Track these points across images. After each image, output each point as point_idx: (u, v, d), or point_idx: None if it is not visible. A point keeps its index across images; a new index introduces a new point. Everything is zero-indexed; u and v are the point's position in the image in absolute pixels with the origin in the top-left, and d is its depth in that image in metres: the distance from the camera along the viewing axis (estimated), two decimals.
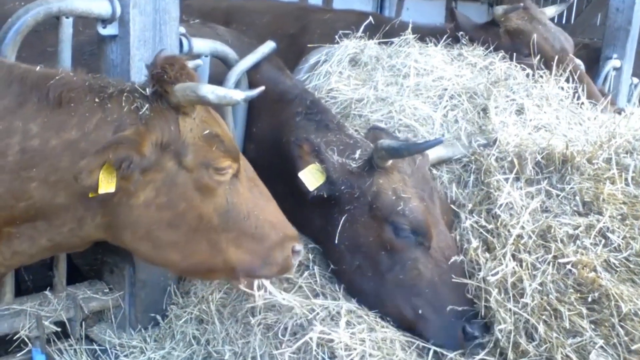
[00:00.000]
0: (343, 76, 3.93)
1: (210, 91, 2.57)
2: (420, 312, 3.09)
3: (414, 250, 3.14)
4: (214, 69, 3.50)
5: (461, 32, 4.51)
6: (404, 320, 3.13)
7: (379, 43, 4.18)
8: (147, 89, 2.62)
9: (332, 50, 4.04)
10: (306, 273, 3.19)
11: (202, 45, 3.46)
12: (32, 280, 3.87)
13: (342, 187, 3.20)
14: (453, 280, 3.07)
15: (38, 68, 2.63)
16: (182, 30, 3.33)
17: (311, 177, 3.19)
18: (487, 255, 3.16)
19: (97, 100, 2.58)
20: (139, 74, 3.10)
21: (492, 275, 3.07)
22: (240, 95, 2.67)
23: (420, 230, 3.13)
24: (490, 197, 3.24)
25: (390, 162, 3.16)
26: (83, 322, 3.31)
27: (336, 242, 3.21)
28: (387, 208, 3.15)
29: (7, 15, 2.97)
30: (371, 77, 3.92)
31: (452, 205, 3.37)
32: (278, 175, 3.26)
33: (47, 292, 3.24)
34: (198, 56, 3.47)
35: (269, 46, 3.57)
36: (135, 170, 2.50)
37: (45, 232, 2.66)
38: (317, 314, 2.94)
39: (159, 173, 2.61)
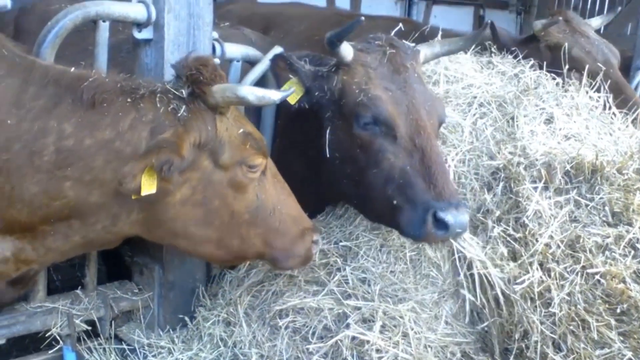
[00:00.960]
0: None
1: (250, 92, 2.67)
2: (395, 202, 3.03)
3: (382, 141, 3.11)
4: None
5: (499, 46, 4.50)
6: (382, 215, 3.13)
7: None
8: (183, 90, 2.67)
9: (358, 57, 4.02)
10: (338, 275, 3.18)
11: (234, 50, 3.51)
12: (60, 280, 3.94)
13: (317, 93, 3.24)
14: (430, 167, 2.99)
15: (72, 69, 2.69)
16: (215, 35, 3.38)
17: (290, 91, 3.11)
18: (513, 263, 3.16)
19: (129, 100, 2.64)
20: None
21: (518, 284, 3.08)
22: (277, 95, 2.74)
23: (382, 118, 3.10)
24: (518, 206, 3.23)
25: (351, 56, 3.19)
26: (113, 322, 3.36)
27: (327, 155, 3.24)
28: (351, 102, 3.17)
29: (52, 16, 3.04)
30: None
31: (478, 214, 3.37)
32: None
33: (78, 291, 3.30)
34: (230, 61, 3.53)
35: (275, 52, 3.57)
36: (175, 172, 2.56)
37: (79, 229, 2.72)
38: (349, 316, 2.95)
39: (196, 172, 2.69)
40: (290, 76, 3.24)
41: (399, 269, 3.28)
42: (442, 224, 2.91)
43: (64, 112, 2.58)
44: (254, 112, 3.57)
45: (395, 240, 3.36)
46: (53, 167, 2.57)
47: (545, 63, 4.24)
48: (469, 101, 3.74)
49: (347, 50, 3.19)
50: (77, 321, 3.16)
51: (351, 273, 3.18)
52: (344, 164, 3.23)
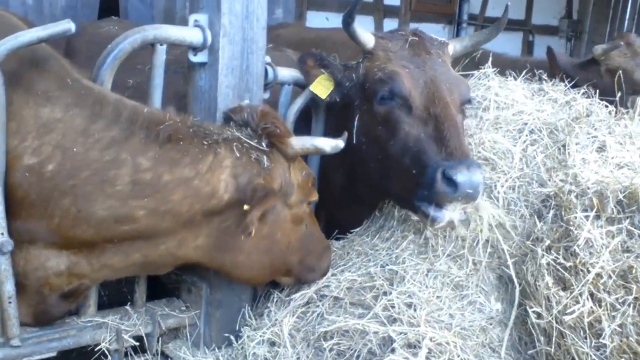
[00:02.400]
0: None
1: (326, 144, 3.02)
2: (413, 172, 3.10)
3: (398, 113, 3.23)
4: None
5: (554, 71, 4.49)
6: (405, 191, 3.19)
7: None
8: (261, 143, 2.95)
9: None
10: (384, 298, 3.18)
11: (286, 74, 3.56)
12: (107, 296, 4.02)
13: (347, 84, 3.43)
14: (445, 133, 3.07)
15: (146, 110, 2.85)
16: (268, 59, 3.44)
17: (321, 87, 3.44)
18: (563, 293, 3.11)
19: (205, 143, 2.84)
20: (225, 100, 3.23)
21: (568, 314, 3.02)
22: (342, 143, 3.05)
23: (397, 91, 3.22)
24: (569, 235, 3.18)
25: (372, 43, 3.40)
26: (160, 338, 3.40)
27: (355, 141, 3.37)
28: (371, 82, 3.34)
29: (103, 37, 3.14)
30: None
31: (528, 241, 3.34)
32: None
33: (127, 307, 3.35)
34: (281, 84, 3.59)
35: None
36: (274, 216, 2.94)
37: (142, 248, 2.82)
38: (394, 340, 2.94)
39: (275, 213, 3.00)
40: (322, 71, 3.43)
41: (445, 294, 3.26)
42: (451, 182, 2.94)
43: (138, 146, 2.73)
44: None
45: (442, 265, 3.34)
46: (127, 196, 2.70)
47: (606, 86, 4.21)
48: (519, 128, 3.72)
49: (366, 37, 3.41)
50: (126, 336, 3.21)
51: (397, 297, 3.16)
52: (369, 145, 3.37)
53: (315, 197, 3.18)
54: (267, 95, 3.49)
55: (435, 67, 3.33)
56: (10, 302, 2.81)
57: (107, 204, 2.69)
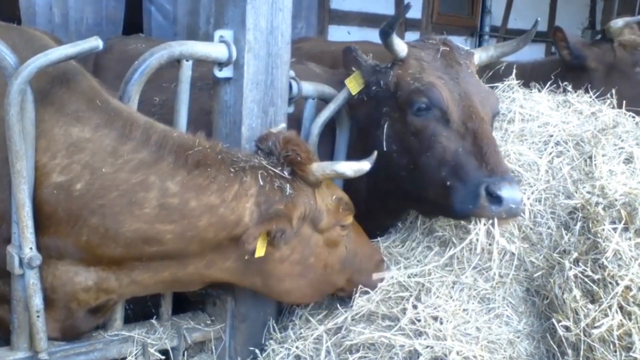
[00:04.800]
0: None
1: (348, 168, 2.99)
2: (448, 183, 3.16)
3: (435, 125, 3.26)
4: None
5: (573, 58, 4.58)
6: (436, 199, 3.26)
7: None
8: (285, 171, 2.95)
9: None
10: (410, 311, 3.16)
11: (310, 88, 3.58)
12: (132, 310, 4.04)
13: (374, 87, 3.49)
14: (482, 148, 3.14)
15: (175, 134, 2.90)
16: (292, 73, 3.46)
17: (354, 83, 3.52)
18: (591, 306, 3.07)
19: (232, 170, 2.86)
20: (250, 115, 3.26)
21: (597, 327, 2.99)
22: (368, 165, 3.02)
23: (436, 102, 3.25)
24: (597, 247, 3.15)
25: (405, 52, 3.42)
26: (185, 352, 3.41)
27: (385, 148, 3.40)
28: (406, 91, 3.35)
29: (130, 54, 3.18)
30: None
31: (555, 254, 3.31)
32: None
33: (153, 321, 3.37)
34: (305, 98, 3.61)
35: (348, 91, 3.65)
36: (283, 240, 2.84)
37: (171, 266, 2.86)
38: (420, 354, 2.93)
39: (297, 237, 2.95)
40: (353, 69, 3.52)
41: (472, 307, 3.23)
42: (495, 199, 3.01)
43: (166, 170, 2.76)
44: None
45: (468, 278, 3.32)
46: (154, 219, 2.74)
47: (621, 61, 4.23)
48: (544, 140, 3.70)
49: (401, 45, 3.43)
50: (152, 350, 3.22)
51: (423, 310, 3.15)
52: (400, 154, 3.39)
53: (349, 221, 3.14)
54: (291, 110, 3.51)
55: (467, 80, 3.37)
56: (38, 316, 2.84)
57: (135, 225, 2.72)
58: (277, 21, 3.28)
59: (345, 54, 3.63)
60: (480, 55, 3.62)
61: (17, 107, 2.63)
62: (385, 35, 3.35)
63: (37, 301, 2.82)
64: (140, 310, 3.60)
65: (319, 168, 2.95)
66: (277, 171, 2.94)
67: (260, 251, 2.82)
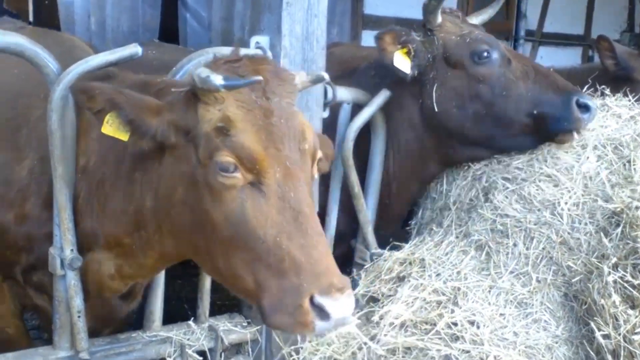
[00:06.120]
0: None
1: (199, 73, 2.42)
2: (535, 112, 3.57)
3: (501, 67, 3.64)
4: None
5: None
6: (521, 131, 3.63)
7: None
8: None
9: None
10: (446, 315, 3.15)
11: (345, 93, 3.60)
12: (168, 312, 4.09)
13: (422, 56, 3.69)
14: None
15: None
16: (327, 78, 3.48)
17: (402, 61, 3.63)
18: (631, 312, 3.03)
19: None
20: None
21: (637, 333, 2.94)
22: (220, 81, 2.36)
23: (495, 45, 3.68)
24: (637, 252, 3.11)
25: (441, 19, 3.73)
26: (222, 353, 3.45)
27: (436, 109, 3.67)
28: (460, 48, 3.68)
29: (166, 64, 3.24)
30: None
31: (593, 258, 3.27)
32: None
33: (191, 322, 3.40)
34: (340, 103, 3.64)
35: (383, 96, 3.67)
36: (136, 128, 2.49)
37: None
38: (457, 359, 2.92)
39: (185, 164, 2.50)
40: (398, 47, 3.63)
41: (509, 312, 3.22)
42: (585, 108, 3.52)
43: None
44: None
45: (505, 282, 3.31)
46: None
47: None
48: (582, 144, 3.66)
49: (438, 15, 3.73)
50: (189, 351, 3.26)
51: (460, 314, 3.14)
52: (462, 107, 3.66)
53: (222, 158, 2.35)
54: (326, 114, 3.53)
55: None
56: (79, 316, 2.90)
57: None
58: (312, 27, 3.31)
59: (383, 38, 3.67)
60: (483, 17, 4.09)
61: (59, 112, 2.70)
62: (432, 7, 3.67)
63: (78, 302, 2.88)
64: (176, 312, 3.66)
65: (202, 70, 2.41)
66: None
67: (108, 128, 2.51)
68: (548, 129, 3.56)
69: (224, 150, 2.35)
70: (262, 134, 2.37)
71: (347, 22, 8.94)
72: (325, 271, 2.26)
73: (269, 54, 3.23)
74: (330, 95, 3.51)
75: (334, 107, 3.63)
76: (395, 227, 4.17)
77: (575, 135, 3.58)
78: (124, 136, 2.52)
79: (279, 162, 2.36)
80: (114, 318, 3.23)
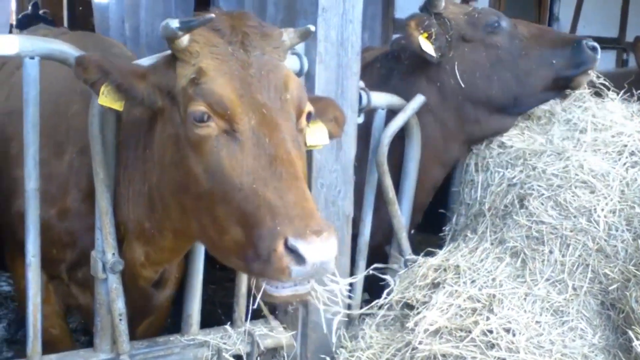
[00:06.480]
0: (516, 128, 3.94)
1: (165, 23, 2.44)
2: (554, 61, 3.84)
3: (510, 33, 3.90)
4: None
5: None
6: (545, 86, 3.88)
7: None
8: None
9: None
10: (481, 322, 3.14)
11: (380, 99, 3.62)
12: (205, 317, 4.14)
13: (446, 37, 3.88)
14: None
15: None
16: (362, 84, 3.50)
17: (427, 45, 3.77)
18: None
19: None
20: None
21: None
22: (176, 24, 2.40)
23: (504, 17, 3.90)
24: None
25: (444, 3, 3.93)
26: (258, 358, 3.48)
27: (463, 85, 3.85)
28: (467, 25, 3.90)
29: None
30: (545, 131, 3.89)
31: (631, 266, 3.24)
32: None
33: (227, 327, 3.45)
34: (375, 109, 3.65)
35: (418, 101, 3.69)
36: (125, 93, 2.52)
37: None
38: None
39: (171, 125, 2.51)
40: (421, 31, 3.78)
41: (545, 319, 3.19)
42: (593, 49, 3.83)
43: None
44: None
45: (541, 289, 3.29)
46: None
47: None
48: (618, 150, 3.62)
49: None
50: (226, 355, 3.31)
51: (495, 322, 3.13)
52: (489, 77, 3.85)
53: (194, 107, 2.33)
54: (361, 120, 3.55)
55: None
56: (121, 319, 2.96)
57: None
58: (347, 33, 3.33)
59: (408, 23, 3.81)
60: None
61: (100, 117, 2.76)
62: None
63: (120, 304, 2.94)
64: (208, 317, 3.70)
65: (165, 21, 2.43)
66: None
67: (103, 99, 2.52)
68: (568, 75, 3.84)
69: (195, 99, 2.33)
70: (235, 82, 2.34)
71: (378, 25, 8.96)
72: (300, 214, 2.15)
73: (304, 59, 3.25)
74: (365, 101, 3.52)
75: (368, 112, 3.64)
76: (418, 218, 4.18)
77: (591, 72, 3.92)
78: (119, 106, 2.54)
79: (254, 109, 2.31)
80: (151, 307, 3.29)
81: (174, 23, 2.38)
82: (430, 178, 4.07)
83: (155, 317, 3.55)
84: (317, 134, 2.78)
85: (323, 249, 2.13)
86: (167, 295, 3.40)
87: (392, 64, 4.12)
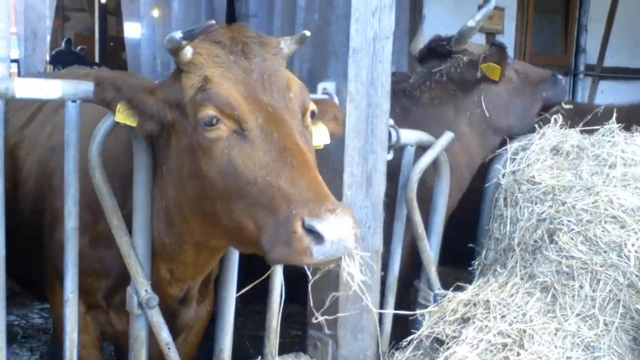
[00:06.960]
0: (545, 164, 3.96)
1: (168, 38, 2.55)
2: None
3: (515, 70, 4.39)
4: None
5: None
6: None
7: (581, 131, 4.16)
8: None
9: (532, 138, 4.09)
10: (512, 359, 3.14)
11: (409, 136, 3.68)
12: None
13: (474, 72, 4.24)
14: None
15: None
16: (391, 122, 3.57)
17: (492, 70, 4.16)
18: None
19: None
20: (351, 162, 3.37)
21: None
22: (179, 34, 2.51)
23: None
24: None
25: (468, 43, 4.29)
26: None
27: (487, 114, 4.21)
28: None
29: None
30: (574, 166, 3.90)
31: None
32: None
33: None
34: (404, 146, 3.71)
35: (447, 138, 3.74)
36: (136, 107, 2.60)
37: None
38: None
39: (184, 137, 2.60)
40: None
41: (575, 355, 3.19)
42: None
43: None
44: None
45: (572, 325, 3.29)
46: None
47: None
48: None
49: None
50: None
51: (526, 357, 3.13)
52: (508, 107, 4.26)
53: (203, 112, 2.44)
54: (390, 156, 3.60)
55: None
56: (169, 348, 3.02)
57: None
58: (377, 72, 3.41)
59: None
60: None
61: (101, 170, 2.85)
62: (470, 33, 4.17)
63: (165, 335, 2.99)
64: (238, 349, 3.74)
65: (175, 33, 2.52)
66: None
67: (119, 116, 2.61)
68: (554, 103, 4.44)
69: (204, 104, 2.44)
70: (240, 86, 2.47)
71: (405, 60, 9.04)
72: (314, 196, 2.24)
73: (335, 98, 3.33)
74: (394, 138, 3.58)
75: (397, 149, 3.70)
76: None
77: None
78: (133, 122, 2.63)
79: (260, 108, 2.43)
80: (181, 325, 3.31)
81: (177, 34, 2.51)
82: (451, 204, 4.14)
83: (192, 333, 3.51)
84: (319, 134, 2.88)
85: (339, 225, 2.19)
86: (192, 313, 3.37)
87: (417, 93, 4.32)
